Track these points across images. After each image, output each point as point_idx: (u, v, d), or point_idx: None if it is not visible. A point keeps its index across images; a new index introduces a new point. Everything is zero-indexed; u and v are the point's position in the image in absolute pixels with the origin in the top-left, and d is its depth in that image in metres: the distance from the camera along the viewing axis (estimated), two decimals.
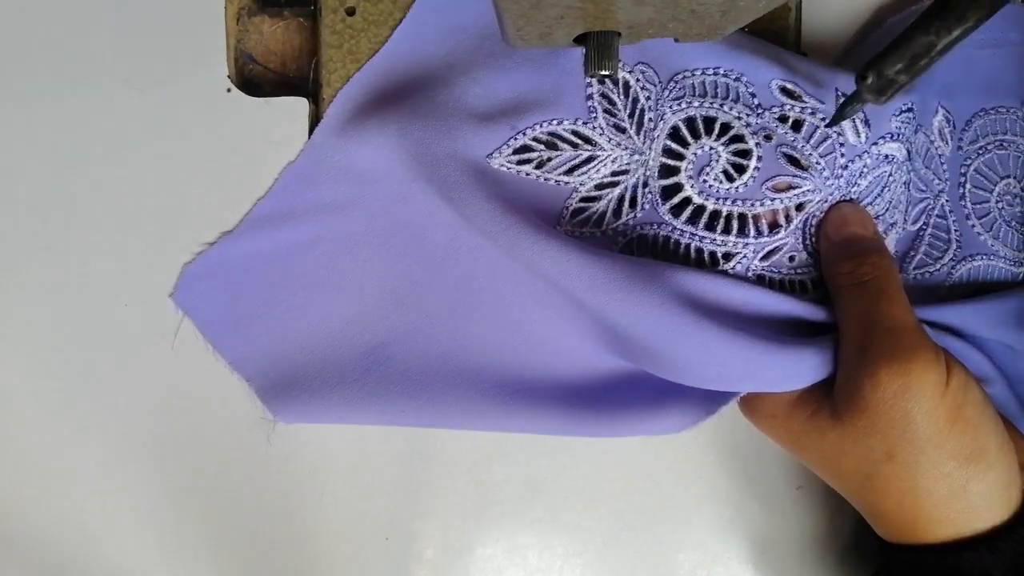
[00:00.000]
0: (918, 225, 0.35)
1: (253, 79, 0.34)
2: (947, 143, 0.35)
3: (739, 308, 0.30)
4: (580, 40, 0.25)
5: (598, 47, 0.25)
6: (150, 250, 0.33)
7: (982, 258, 0.35)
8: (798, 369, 0.30)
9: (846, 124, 0.31)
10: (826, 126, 0.31)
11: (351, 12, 0.33)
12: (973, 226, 0.35)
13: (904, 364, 0.27)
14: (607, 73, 0.25)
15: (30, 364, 0.33)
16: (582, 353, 0.33)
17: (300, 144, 0.33)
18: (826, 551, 0.37)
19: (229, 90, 0.34)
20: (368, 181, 0.33)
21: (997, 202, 0.36)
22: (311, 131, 0.34)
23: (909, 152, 0.33)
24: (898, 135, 0.32)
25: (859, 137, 0.32)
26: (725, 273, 0.31)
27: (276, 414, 0.33)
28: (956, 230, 0.35)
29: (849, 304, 0.29)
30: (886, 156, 0.32)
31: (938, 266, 0.35)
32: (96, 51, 0.33)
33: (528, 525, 0.36)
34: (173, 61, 0.33)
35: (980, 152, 0.36)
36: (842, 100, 0.31)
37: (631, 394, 0.33)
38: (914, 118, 0.33)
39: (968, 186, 0.36)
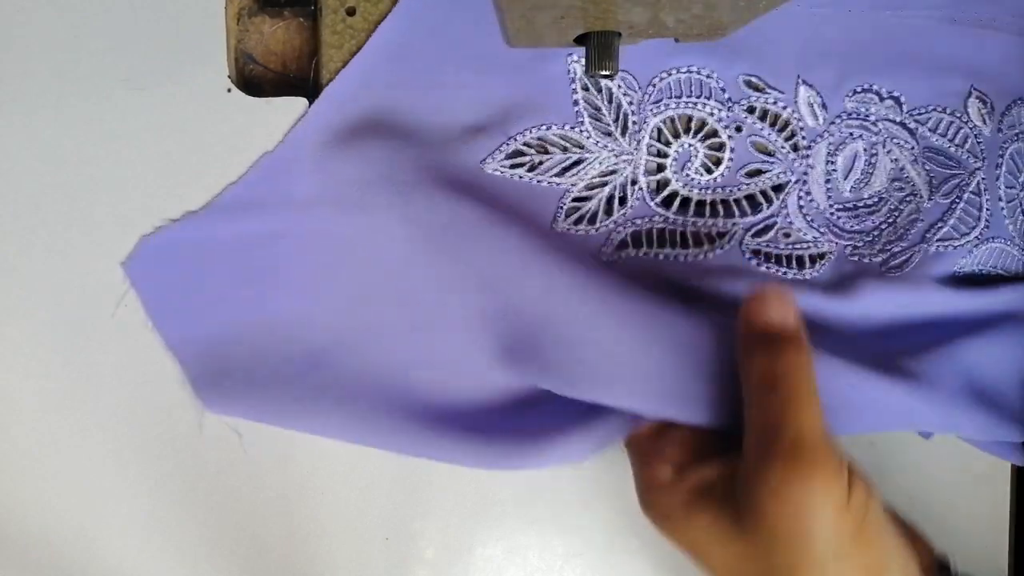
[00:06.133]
0: (950, 199, 0.36)
1: (253, 79, 0.34)
2: (986, 123, 0.37)
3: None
4: (580, 40, 0.25)
5: (598, 47, 0.25)
6: None
7: (1000, 241, 0.37)
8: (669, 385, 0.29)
9: (804, 108, 0.35)
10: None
11: (351, 12, 0.33)
12: (1003, 208, 0.37)
13: (804, 481, 0.25)
14: (607, 73, 0.25)
15: (30, 364, 0.33)
16: (497, 379, 0.33)
17: None
18: None
19: (229, 90, 0.34)
20: (340, 184, 0.32)
21: (1021, 190, 0.38)
22: None
23: (909, 129, 0.36)
24: (856, 113, 0.35)
25: (817, 120, 0.35)
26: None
27: (204, 402, 0.32)
28: (988, 209, 0.37)
29: (758, 401, 0.27)
30: (850, 133, 0.35)
31: (963, 241, 0.36)
32: (96, 51, 0.33)
33: (528, 525, 0.36)
34: (173, 61, 0.33)
35: (1016, 138, 0.38)
36: (802, 86, 0.35)
37: (535, 421, 0.32)
38: (877, 98, 0.35)
39: (1003, 169, 0.37)
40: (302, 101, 0.34)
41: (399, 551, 0.35)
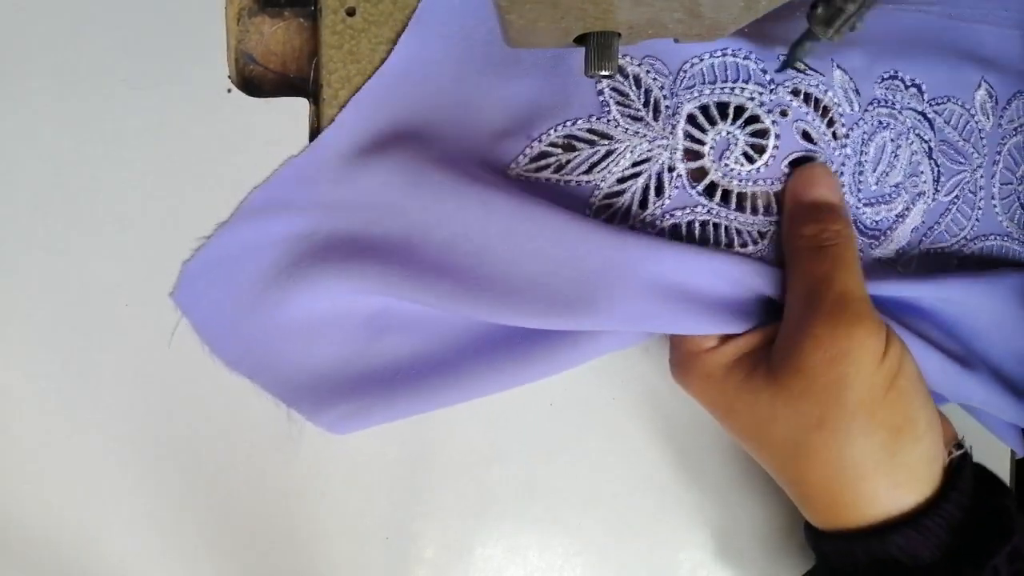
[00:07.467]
0: (951, 196, 0.35)
1: (253, 79, 0.34)
2: (988, 118, 0.36)
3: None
4: (580, 40, 0.26)
5: (598, 47, 0.25)
6: (150, 251, 0.33)
7: (996, 238, 0.36)
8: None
9: (841, 95, 0.32)
10: (777, 70, 0.32)
11: (351, 12, 0.33)
12: (995, 205, 0.36)
13: (847, 328, 0.27)
14: (607, 73, 0.25)
15: (30, 364, 0.33)
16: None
17: (300, 145, 0.33)
18: None
19: (229, 90, 0.34)
20: (366, 191, 0.32)
21: (1019, 184, 0.37)
22: (311, 132, 0.34)
23: (928, 120, 0.34)
24: (885, 101, 0.33)
25: (852, 107, 0.33)
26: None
27: (322, 425, 0.32)
28: (980, 208, 0.36)
29: (805, 265, 0.29)
30: (880, 122, 0.33)
31: (952, 241, 0.35)
32: (96, 51, 0.33)
33: (528, 525, 0.36)
34: (173, 61, 0.33)
35: (1015, 132, 0.37)
36: (836, 70, 0.32)
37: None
38: (902, 85, 0.34)
39: (1000, 165, 0.37)
40: (302, 101, 0.34)
41: (399, 551, 0.35)
